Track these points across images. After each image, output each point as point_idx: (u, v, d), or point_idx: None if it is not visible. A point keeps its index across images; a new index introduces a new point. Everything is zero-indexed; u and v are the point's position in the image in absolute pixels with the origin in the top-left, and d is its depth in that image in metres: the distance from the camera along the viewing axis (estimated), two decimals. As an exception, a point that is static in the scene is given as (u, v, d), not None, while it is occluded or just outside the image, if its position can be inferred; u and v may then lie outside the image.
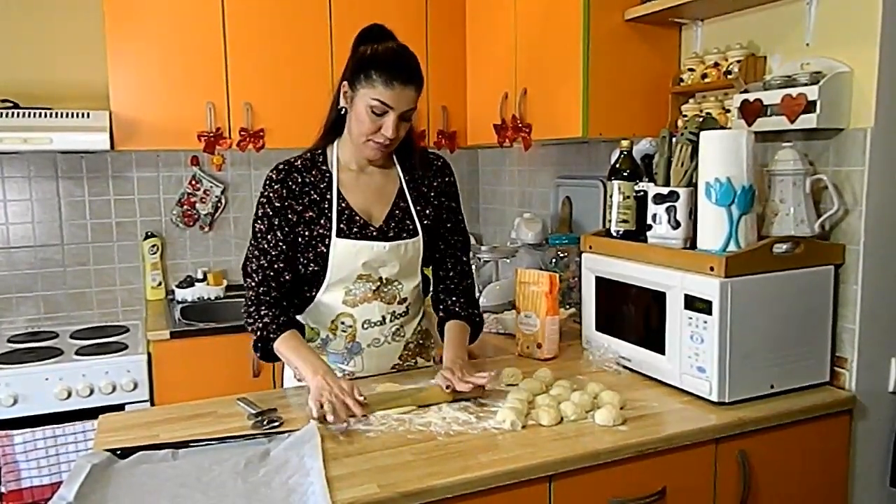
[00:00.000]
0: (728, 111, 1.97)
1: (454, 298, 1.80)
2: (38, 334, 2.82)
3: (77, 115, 2.59)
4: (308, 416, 1.46)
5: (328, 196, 1.67)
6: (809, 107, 1.67)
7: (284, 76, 2.81)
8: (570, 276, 2.50)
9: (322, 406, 1.43)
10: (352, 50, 1.64)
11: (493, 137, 2.65)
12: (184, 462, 1.35)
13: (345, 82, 1.62)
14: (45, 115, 2.57)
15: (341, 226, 1.65)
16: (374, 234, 1.68)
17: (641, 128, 2.16)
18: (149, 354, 2.57)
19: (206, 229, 3.16)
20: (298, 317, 1.73)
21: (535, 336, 1.97)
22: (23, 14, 2.81)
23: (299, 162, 1.70)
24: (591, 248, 1.99)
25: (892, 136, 1.68)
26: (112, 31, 2.62)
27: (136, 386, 2.52)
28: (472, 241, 2.47)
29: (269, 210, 1.65)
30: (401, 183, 1.74)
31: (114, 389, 2.49)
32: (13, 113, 2.57)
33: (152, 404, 2.52)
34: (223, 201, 3.17)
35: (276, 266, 1.66)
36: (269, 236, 1.65)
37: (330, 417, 1.42)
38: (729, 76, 1.95)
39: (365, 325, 1.71)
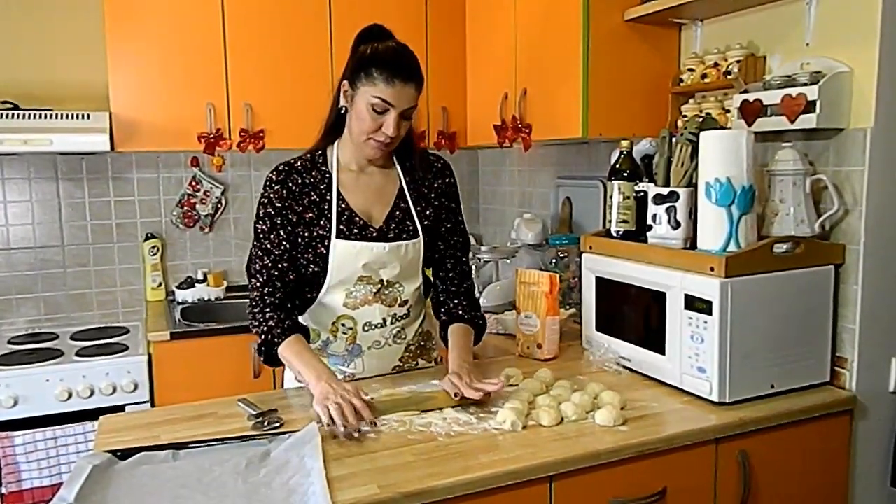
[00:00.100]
0: (728, 111, 1.97)
1: (456, 301, 1.79)
2: (39, 335, 2.82)
3: (77, 117, 2.59)
4: (314, 419, 1.45)
5: (328, 197, 1.67)
6: (809, 107, 1.67)
7: (284, 77, 2.81)
8: (570, 277, 2.50)
9: (329, 410, 1.42)
10: (352, 50, 1.64)
11: (493, 138, 2.65)
12: (184, 463, 1.35)
13: (345, 81, 1.62)
14: (45, 117, 2.57)
15: (341, 227, 1.65)
16: (374, 235, 1.68)
17: (641, 128, 2.16)
18: (149, 355, 2.57)
19: (207, 230, 3.16)
20: (300, 318, 1.73)
21: (536, 336, 1.97)
22: (23, 14, 2.81)
23: (299, 163, 1.70)
24: (591, 248, 1.99)
25: (892, 136, 1.68)
26: (112, 32, 2.62)
27: (136, 387, 2.52)
28: (472, 241, 2.47)
29: (270, 210, 1.65)
30: (401, 184, 1.73)
31: (114, 390, 2.49)
32: (13, 114, 2.58)
33: (153, 405, 2.52)
34: (223, 202, 3.17)
35: (279, 265, 1.65)
36: (271, 236, 1.65)
37: (339, 422, 1.41)
38: (729, 76, 1.95)
39: (365, 328, 1.71)
